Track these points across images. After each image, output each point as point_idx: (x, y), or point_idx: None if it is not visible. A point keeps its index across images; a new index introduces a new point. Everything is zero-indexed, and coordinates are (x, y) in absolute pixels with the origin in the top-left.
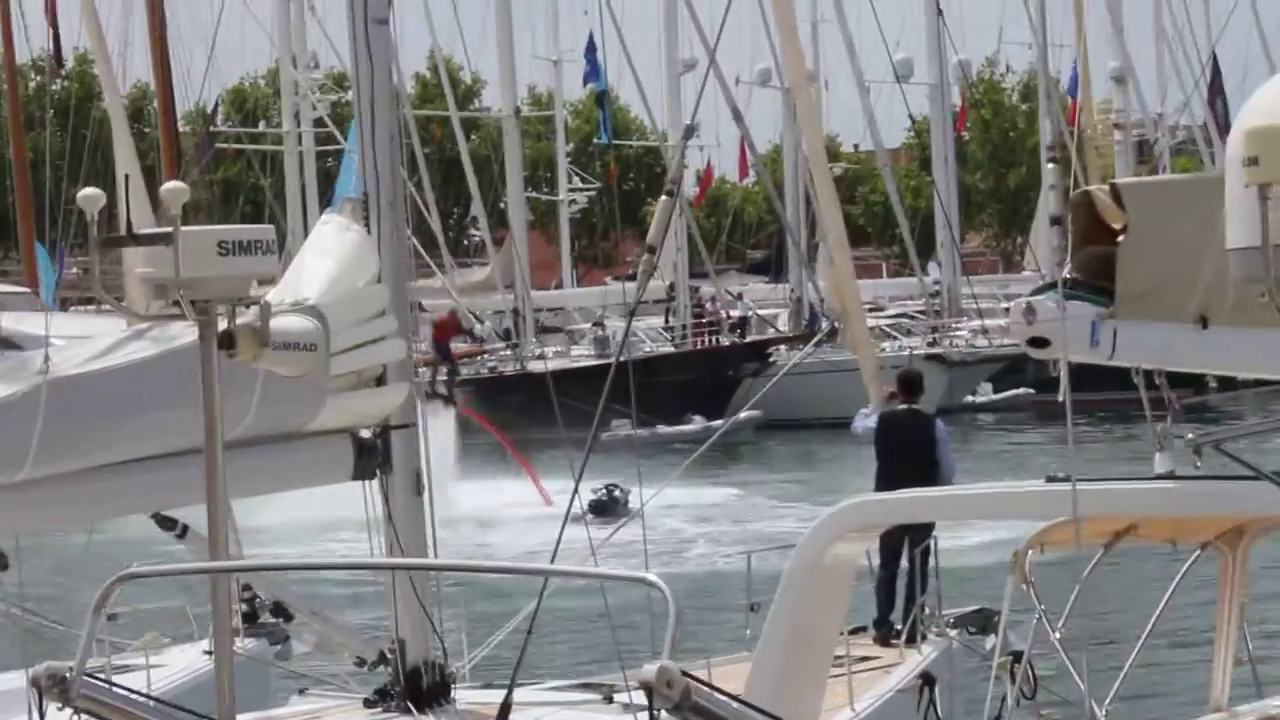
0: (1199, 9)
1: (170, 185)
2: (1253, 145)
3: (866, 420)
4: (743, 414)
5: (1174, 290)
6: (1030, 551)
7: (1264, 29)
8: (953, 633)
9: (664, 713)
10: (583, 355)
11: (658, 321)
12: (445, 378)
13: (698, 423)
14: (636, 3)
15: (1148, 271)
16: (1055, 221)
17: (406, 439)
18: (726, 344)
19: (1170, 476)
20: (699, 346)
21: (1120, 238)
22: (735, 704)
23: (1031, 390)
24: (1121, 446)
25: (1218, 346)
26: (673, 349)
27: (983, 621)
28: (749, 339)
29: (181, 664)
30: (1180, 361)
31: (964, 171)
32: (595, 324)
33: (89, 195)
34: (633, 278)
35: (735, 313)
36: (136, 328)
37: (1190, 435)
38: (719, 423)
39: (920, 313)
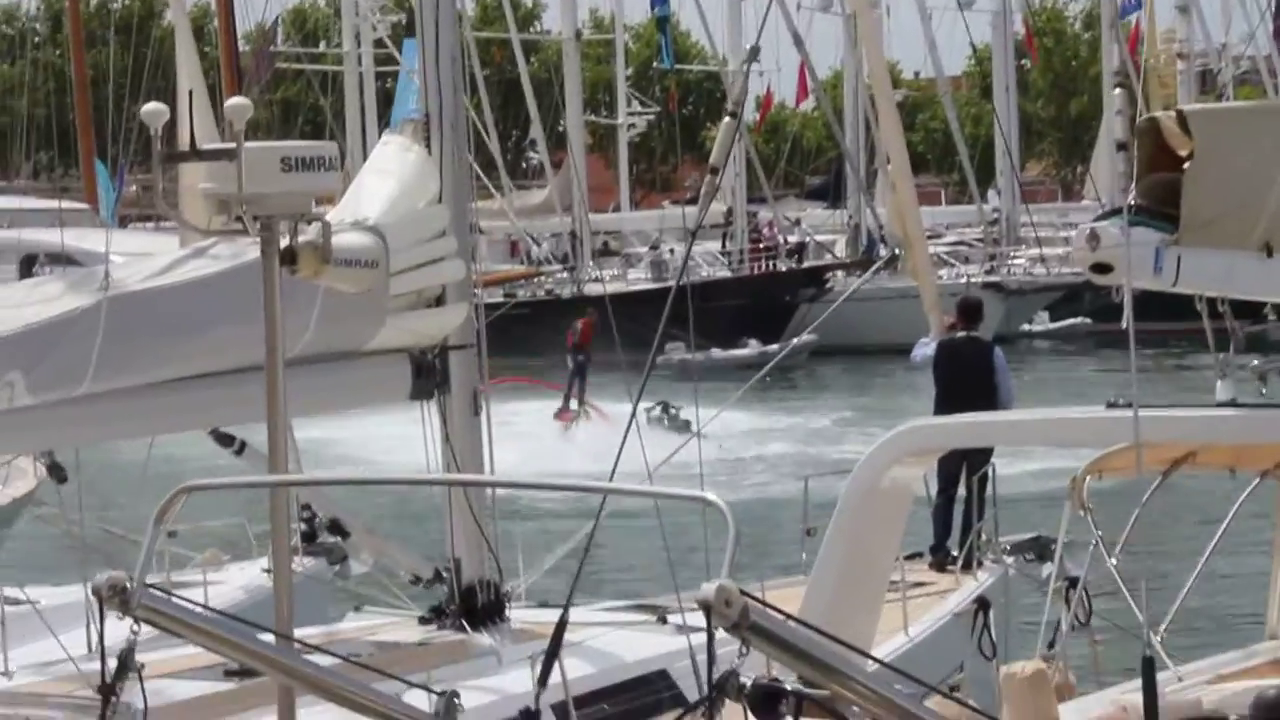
0: None
1: (235, 101)
2: None
3: (925, 348)
4: (799, 339)
5: (1239, 218)
6: (1088, 478)
7: None
8: (1009, 560)
9: (721, 631)
10: (639, 279)
11: (715, 246)
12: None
13: (753, 347)
14: None
15: (1213, 199)
16: (1121, 147)
17: (464, 359)
18: (783, 269)
19: (1233, 404)
20: (755, 272)
21: (1186, 164)
22: (794, 624)
23: (1088, 320)
24: (1179, 376)
25: None
26: (729, 274)
27: (1039, 549)
28: (805, 265)
29: (240, 581)
30: (1243, 289)
31: (1025, 99)
32: (652, 248)
33: (153, 110)
34: (691, 201)
35: (792, 238)
36: (197, 245)
37: (1255, 362)
38: (774, 347)
39: (978, 240)
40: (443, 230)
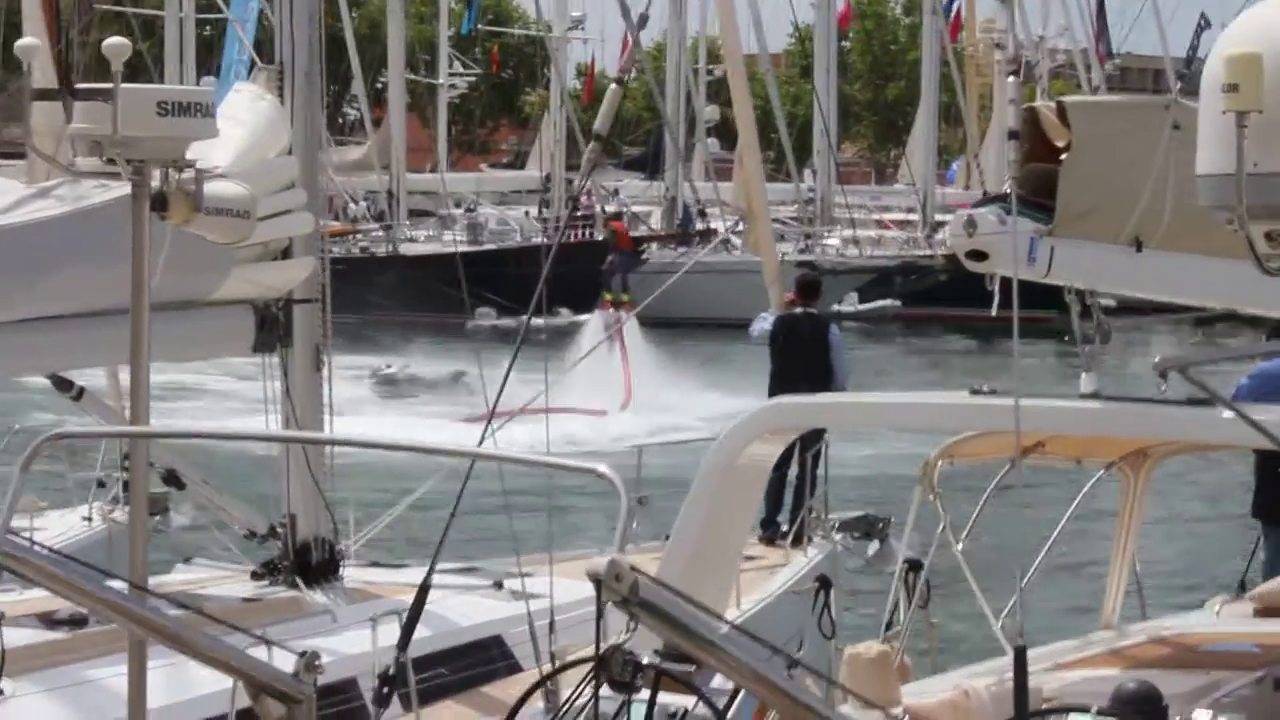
0: None
1: (113, 41)
2: (1233, 72)
3: (764, 323)
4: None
5: (1112, 211)
6: (940, 462)
7: None
8: (837, 537)
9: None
10: (455, 240)
11: (531, 211)
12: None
13: (564, 316)
14: None
15: (1088, 191)
16: (1013, 135)
17: (308, 314)
18: (599, 239)
19: (1096, 396)
20: (571, 240)
21: (1063, 156)
22: (683, 601)
23: (897, 302)
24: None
25: (1150, 270)
26: (545, 240)
27: (866, 527)
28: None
29: (59, 529)
30: (1112, 283)
31: (843, 82)
32: (468, 210)
33: (27, 45)
34: (508, 166)
35: (610, 208)
36: (40, 186)
37: (1158, 358)
38: (584, 317)
39: (793, 219)
40: (292, 182)
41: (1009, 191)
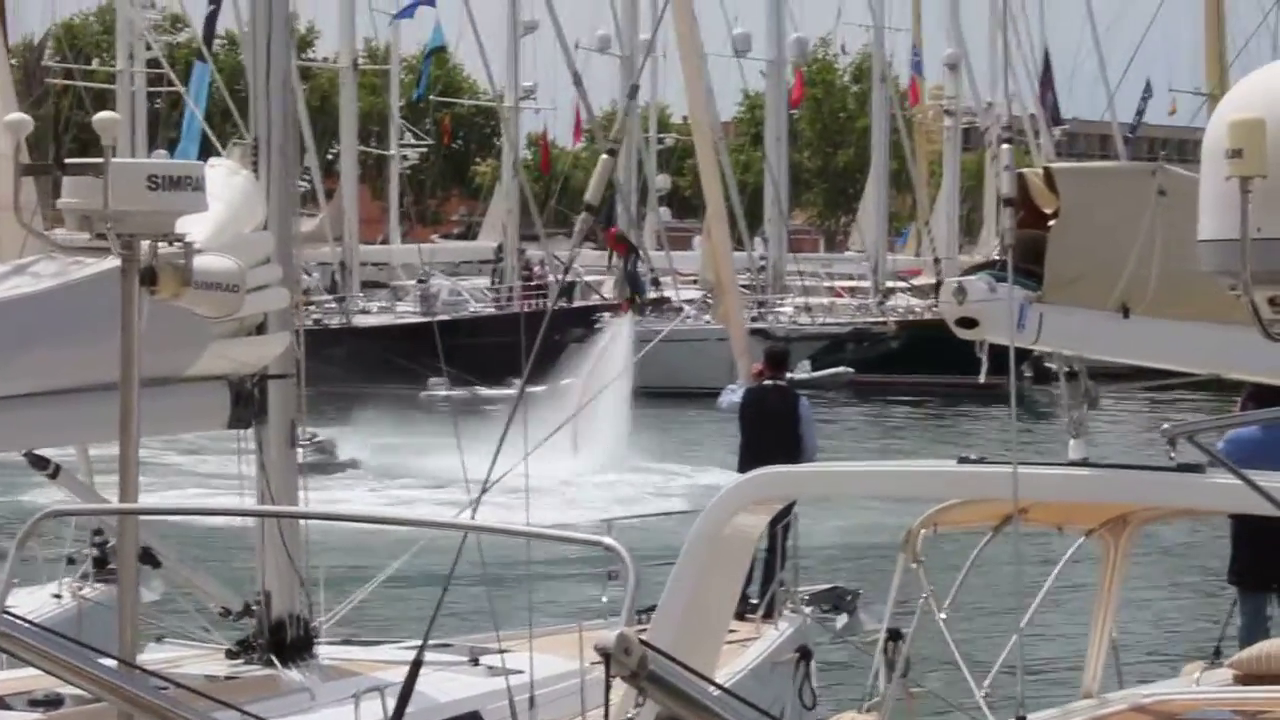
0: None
1: (104, 115)
2: (1236, 137)
3: (733, 395)
4: (564, 382)
5: (1099, 278)
6: (923, 531)
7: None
8: (807, 609)
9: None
10: (407, 312)
11: (483, 282)
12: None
13: (517, 385)
14: None
15: (1075, 258)
16: (1008, 203)
17: (283, 389)
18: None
19: (1085, 464)
20: (524, 309)
21: (1051, 222)
22: (691, 675)
23: (850, 369)
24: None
25: (1137, 336)
26: (496, 311)
27: (835, 600)
28: (575, 304)
29: (29, 606)
30: (1099, 349)
31: (793, 150)
32: (419, 281)
33: (16, 120)
34: (460, 236)
35: (561, 277)
36: (17, 263)
37: (1166, 425)
38: (541, 388)
39: (745, 287)
40: (268, 257)
41: (1000, 258)
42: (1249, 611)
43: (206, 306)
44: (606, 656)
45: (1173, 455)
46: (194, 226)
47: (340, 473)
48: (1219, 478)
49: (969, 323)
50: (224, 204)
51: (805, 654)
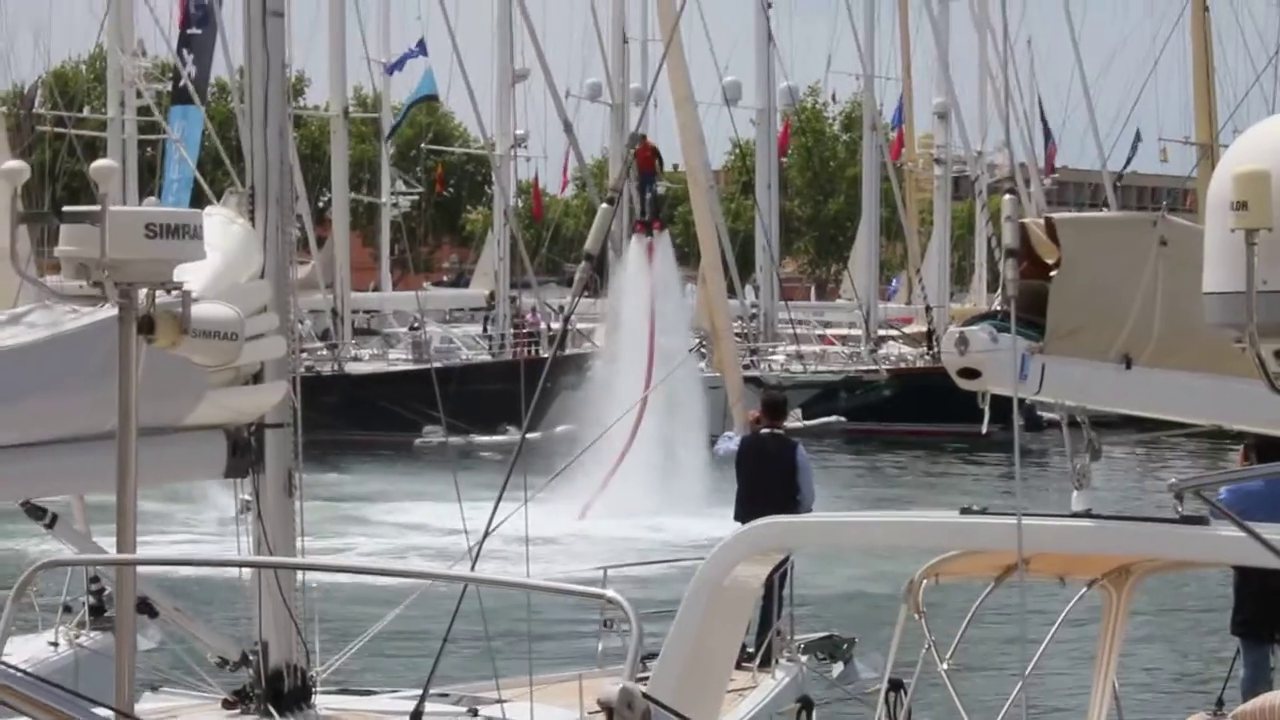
0: (1022, 49)
1: (102, 163)
2: (1241, 189)
3: (730, 443)
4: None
5: (1101, 328)
6: (925, 581)
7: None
8: (803, 658)
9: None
10: (399, 359)
11: (476, 329)
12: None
13: (513, 434)
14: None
15: (1077, 308)
16: (1011, 254)
17: (280, 438)
18: (544, 356)
19: (1088, 515)
20: (516, 357)
21: (1053, 273)
22: None
23: (842, 418)
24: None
25: (1139, 386)
26: (490, 358)
27: (831, 648)
28: (568, 352)
29: (25, 654)
30: (1101, 400)
31: (783, 198)
32: (411, 328)
33: (13, 168)
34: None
35: (555, 325)
36: (11, 312)
37: (1174, 480)
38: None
39: (737, 335)
40: (264, 306)
41: (1002, 309)
42: (1252, 662)
43: (204, 355)
44: (609, 710)
45: (1180, 509)
46: (191, 275)
47: None
48: (1223, 530)
49: (971, 373)
50: (221, 253)
51: (807, 704)
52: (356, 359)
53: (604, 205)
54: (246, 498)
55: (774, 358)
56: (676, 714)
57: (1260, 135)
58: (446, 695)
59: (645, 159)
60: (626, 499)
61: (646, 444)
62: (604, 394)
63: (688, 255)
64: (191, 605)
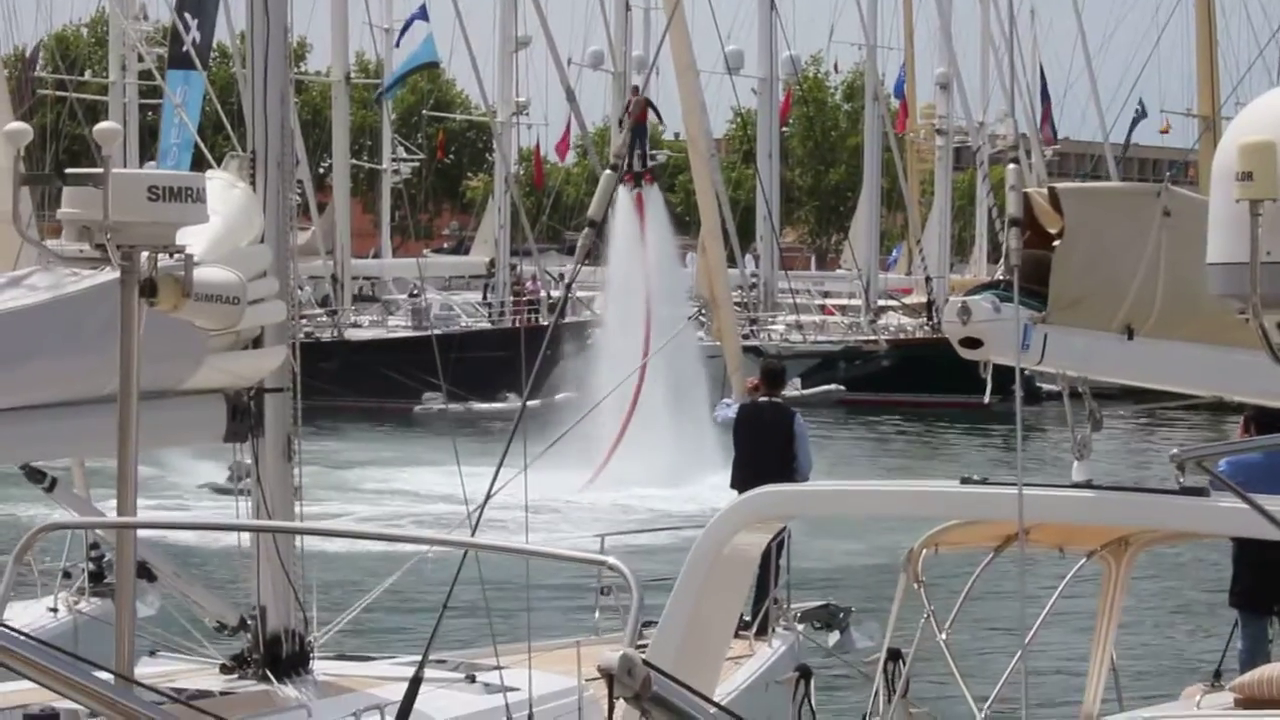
0: (1025, 20)
1: (105, 126)
2: (1246, 160)
3: (728, 410)
4: (559, 396)
5: (1103, 299)
6: (924, 551)
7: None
8: (799, 627)
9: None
10: (399, 326)
11: (475, 296)
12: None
13: (512, 401)
14: None
15: (1080, 278)
16: (1015, 223)
17: (279, 402)
18: (544, 323)
19: (1089, 485)
20: (516, 324)
21: (1056, 243)
22: (694, 696)
23: (841, 387)
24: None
25: (1141, 357)
26: (489, 325)
27: (827, 617)
28: (568, 319)
29: (25, 620)
30: (1103, 370)
31: (784, 167)
32: (411, 295)
33: (16, 129)
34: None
35: (555, 293)
36: (11, 275)
37: (1175, 450)
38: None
39: (737, 304)
40: (264, 271)
41: (1005, 278)
42: (1250, 635)
43: (206, 319)
44: (609, 677)
45: (1181, 480)
46: (193, 238)
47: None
48: (1223, 501)
49: (973, 343)
50: (222, 217)
51: (805, 673)
52: (356, 325)
53: (607, 172)
54: (239, 461)
55: (774, 327)
56: (677, 681)
57: (1266, 106)
58: (444, 662)
59: (640, 113)
60: (628, 468)
61: (647, 411)
62: (602, 360)
63: (688, 224)
64: (189, 570)
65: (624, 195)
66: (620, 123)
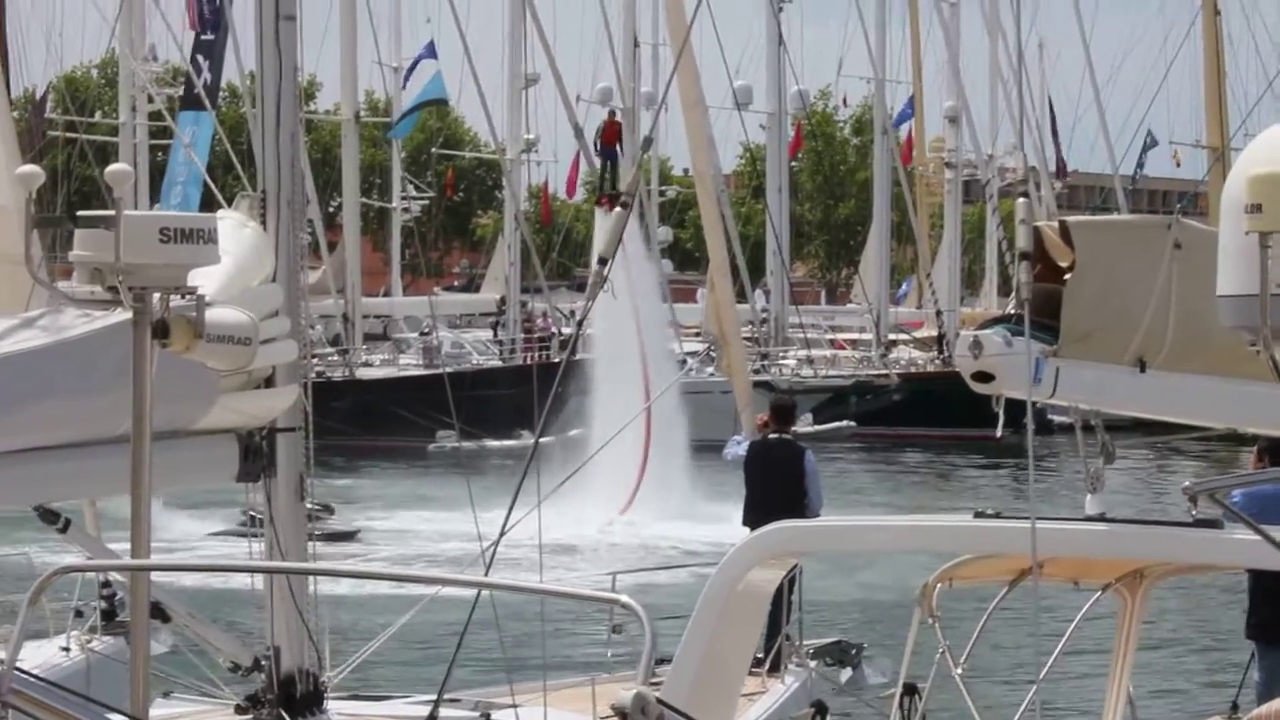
0: (1033, 53)
1: (116, 168)
2: (1256, 192)
3: (738, 447)
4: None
5: (1115, 332)
6: (938, 585)
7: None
8: (811, 663)
9: None
10: (410, 364)
11: (486, 334)
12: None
13: (525, 438)
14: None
15: (1091, 311)
16: (1025, 257)
17: (291, 442)
18: (555, 360)
19: (1102, 518)
20: (528, 361)
21: (1067, 276)
22: None
23: (853, 423)
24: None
25: (1153, 390)
26: (500, 362)
27: (839, 654)
28: (578, 356)
29: (37, 660)
30: (1115, 403)
31: (794, 202)
32: (422, 333)
33: (29, 172)
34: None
35: (566, 329)
36: (24, 316)
37: (1188, 483)
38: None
39: (748, 340)
40: (276, 310)
41: (1016, 312)
42: (1267, 666)
43: (218, 359)
44: (623, 715)
45: (1194, 512)
46: (204, 279)
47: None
48: (1238, 533)
49: (985, 377)
50: (233, 257)
51: (821, 709)
52: (367, 364)
53: (617, 209)
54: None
55: (785, 362)
56: (690, 719)
57: (1275, 138)
58: (459, 700)
59: (610, 135)
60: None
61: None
62: (600, 396)
63: (698, 260)
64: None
65: (601, 219)
66: (595, 145)
